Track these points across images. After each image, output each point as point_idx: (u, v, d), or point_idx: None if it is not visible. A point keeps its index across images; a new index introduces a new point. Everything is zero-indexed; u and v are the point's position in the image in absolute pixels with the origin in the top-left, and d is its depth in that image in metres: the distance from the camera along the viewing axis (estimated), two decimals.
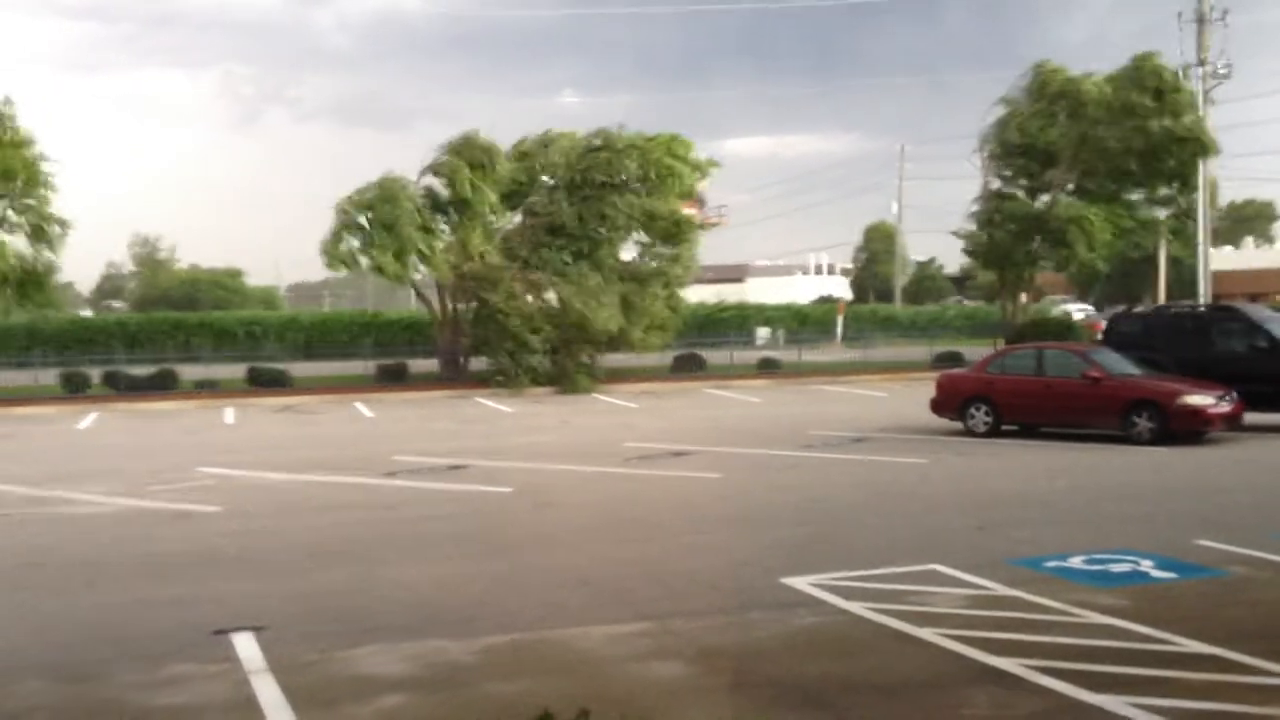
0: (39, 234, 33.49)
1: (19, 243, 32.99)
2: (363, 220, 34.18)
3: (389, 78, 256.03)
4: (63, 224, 34.14)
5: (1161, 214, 41.67)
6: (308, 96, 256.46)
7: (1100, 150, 37.93)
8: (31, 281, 33.43)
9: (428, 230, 34.24)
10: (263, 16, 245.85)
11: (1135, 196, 40.51)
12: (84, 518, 14.87)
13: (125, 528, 14.11)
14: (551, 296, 35.00)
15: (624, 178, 35.02)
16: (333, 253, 34.13)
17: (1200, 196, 38.83)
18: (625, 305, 34.68)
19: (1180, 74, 38.34)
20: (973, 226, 40.57)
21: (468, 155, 34.84)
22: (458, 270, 35.21)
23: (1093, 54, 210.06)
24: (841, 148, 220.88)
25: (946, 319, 60.87)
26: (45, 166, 33.20)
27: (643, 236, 36.69)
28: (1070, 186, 39.81)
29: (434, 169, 35.18)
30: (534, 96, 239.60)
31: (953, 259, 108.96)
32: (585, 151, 35.92)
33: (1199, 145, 37.44)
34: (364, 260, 34.28)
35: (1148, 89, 37.29)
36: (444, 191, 35.13)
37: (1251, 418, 21.08)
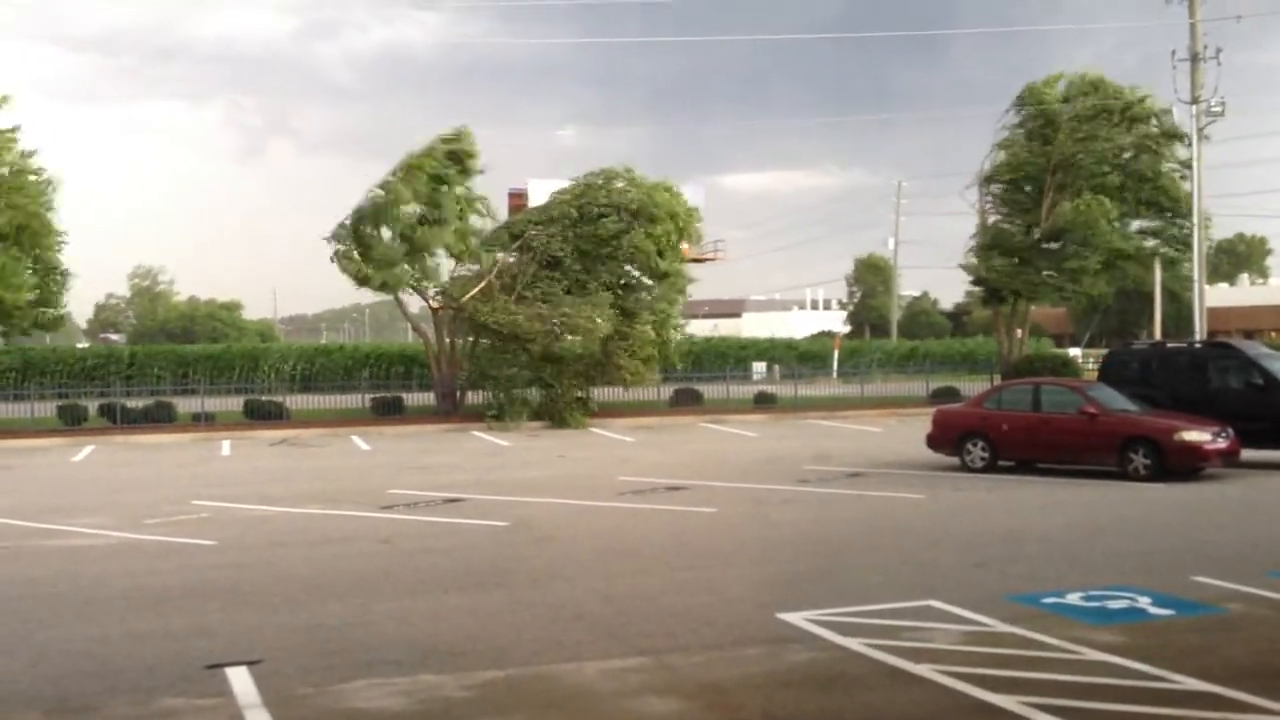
0: (44, 279, 34.20)
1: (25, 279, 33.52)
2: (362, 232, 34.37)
3: (393, 111, 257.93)
4: (64, 275, 35.04)
5: (1151, 242, 41.95)
6: (312, 129, 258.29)
7: (1080, 168, 38.71)
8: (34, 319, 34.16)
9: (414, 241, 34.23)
10: (268, 49, 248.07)
11: (1131, 228, 40.85)
12: (79, 550, 14.81)
13: (120, 560, 14.06)
14: (544, 327, 35.03)
15: (620, 213, 35.13)
16: (345, 258, 34.05)
17: (1195, 233, 39.05)
18: (617, 335, 34.66)
19: (1196, 136, 38.94)
20: (974, 261, 40.88)
21: (433, 160, 34.92)
22: (454, 303, 35.28)
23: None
24: (841, 183, 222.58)
25: (943, 354, 61.01)
26: (56, 216, 34.13)
27: (635, 272, 36.80)
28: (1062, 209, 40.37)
29: (389, 184, 34.80)
30: (538, 129, 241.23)
31: (948, 294, 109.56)
32: (585, 188, 36.12)
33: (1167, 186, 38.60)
34: (366, 271, 34.04)
35: (1117, 112, 38.68)
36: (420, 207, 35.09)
37: (1248, 454, 21.09)
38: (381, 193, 34.32)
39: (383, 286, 34.37)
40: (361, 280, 34.27)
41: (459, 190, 35.57)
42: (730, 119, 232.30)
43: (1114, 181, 39.24)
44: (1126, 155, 39.10)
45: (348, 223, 34.38)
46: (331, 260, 34.50)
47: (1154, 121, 39.57)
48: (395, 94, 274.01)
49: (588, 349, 33.86)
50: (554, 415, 34.45)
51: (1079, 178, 39.39)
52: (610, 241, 34.99)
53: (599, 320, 33.76)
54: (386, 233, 34.40)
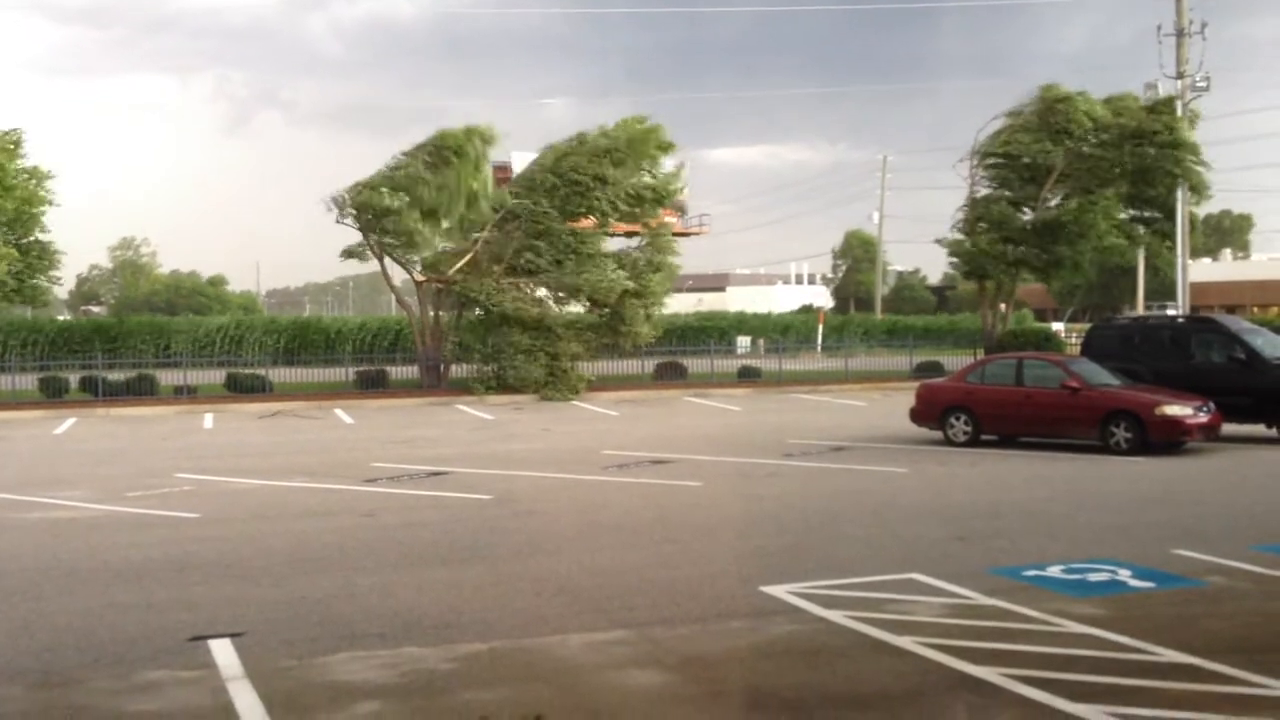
0: (31, 261, 34.26)
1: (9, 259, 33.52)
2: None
3: (382, 83, 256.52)
4: (52, 258, 35.11)
5: (1141, 229, 42.07)
6: (300, 101, 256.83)
7: (1093, 169, 38.50)
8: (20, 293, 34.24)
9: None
10: (256, 21, 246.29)
11: (1122, 216, 40.87)
12: (61, 523, 14.76)
13: (102, 533, 14.02)
14: (543, 293, 35.09)
15: (598, 168, 35.03)
16: (370, 196, 33.93)
17: (1179, 209, 39.17)
18: (633, 294, 34.66)
19: (1181, 111, 38.88)
20: (957, 234, 40.92)
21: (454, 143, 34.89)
22: (440, 277, 35.18)
23: (1083, 65, 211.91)
24: (828, 158, 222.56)
25: (927, 328, 61.10)
26: (45, 200, 34.10)
27: (624, 242, 36.78)
28: (1054, 201, 40.18)
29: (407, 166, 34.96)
30: (526, 101, 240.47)
31: (935, 269, 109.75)
32: (562, 154, 35.89)
33: (1193, 178, 38.52)
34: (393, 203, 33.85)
35: (1156, 117, 38.51)
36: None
37: (1229, 428, 21.22)
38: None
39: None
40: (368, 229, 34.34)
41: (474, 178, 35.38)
42: (719, 92, 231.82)
43: (1121, 190, 39.10)
44: (1127, 149, 38.80)
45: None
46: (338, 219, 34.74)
47: (1154, 90, 39.42)
48: (383, 66, 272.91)
49: (596, 316, 33.94)
50: (539, 388, 34.37)
51: (1087, 176, 39.11)
52: (592, 188, 34.84)
53: (615, 276, 33.82)
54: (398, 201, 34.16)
